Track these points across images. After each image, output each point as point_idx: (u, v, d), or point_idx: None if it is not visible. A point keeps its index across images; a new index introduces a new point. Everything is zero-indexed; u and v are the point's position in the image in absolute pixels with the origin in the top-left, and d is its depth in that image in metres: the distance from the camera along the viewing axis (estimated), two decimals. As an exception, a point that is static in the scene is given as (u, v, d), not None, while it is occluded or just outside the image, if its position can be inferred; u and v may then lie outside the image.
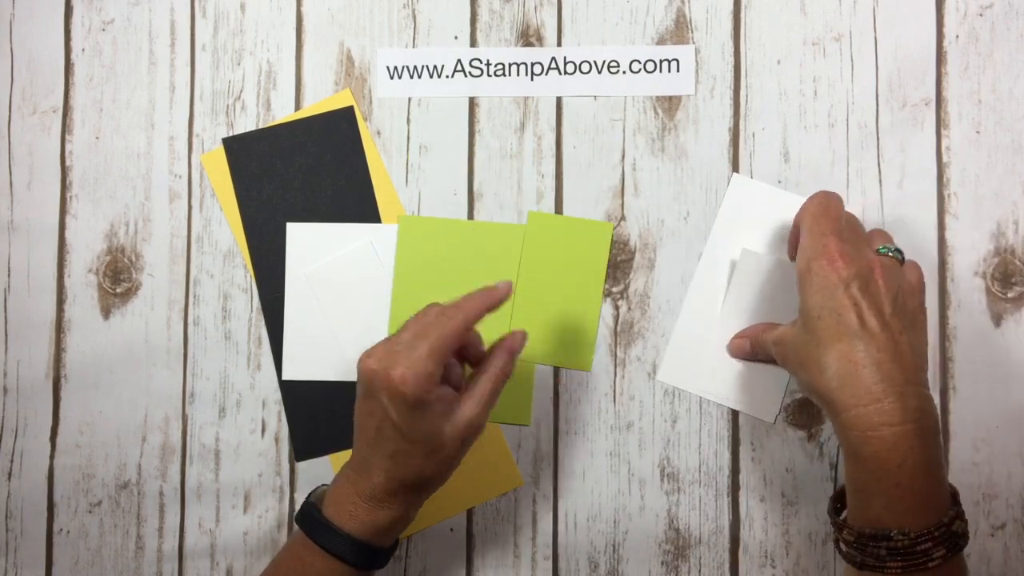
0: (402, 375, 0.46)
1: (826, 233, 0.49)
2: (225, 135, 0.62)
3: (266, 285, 0.62)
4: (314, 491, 0.53)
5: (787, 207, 0.58)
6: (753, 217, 0.60)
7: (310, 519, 0.50)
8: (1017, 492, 0.58)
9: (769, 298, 0.58)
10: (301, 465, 0.62)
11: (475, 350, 0.52)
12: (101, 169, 0.63)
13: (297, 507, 0.61)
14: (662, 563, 0.60)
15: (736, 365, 0.59)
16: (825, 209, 0.50)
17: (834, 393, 0.46)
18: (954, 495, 0.48)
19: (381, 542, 0.50)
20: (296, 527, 0.51)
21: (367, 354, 0.48)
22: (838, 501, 0.51)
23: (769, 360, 0.55)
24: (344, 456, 0.61)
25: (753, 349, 0.57)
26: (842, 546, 0.48)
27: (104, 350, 0.62)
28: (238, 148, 0.62)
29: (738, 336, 0.59)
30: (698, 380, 0.60)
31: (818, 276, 0.48)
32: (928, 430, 0.46)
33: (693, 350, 0.60)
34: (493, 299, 0.49)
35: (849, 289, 0.47)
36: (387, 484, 0.49)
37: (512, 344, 0.50)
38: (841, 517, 0.50)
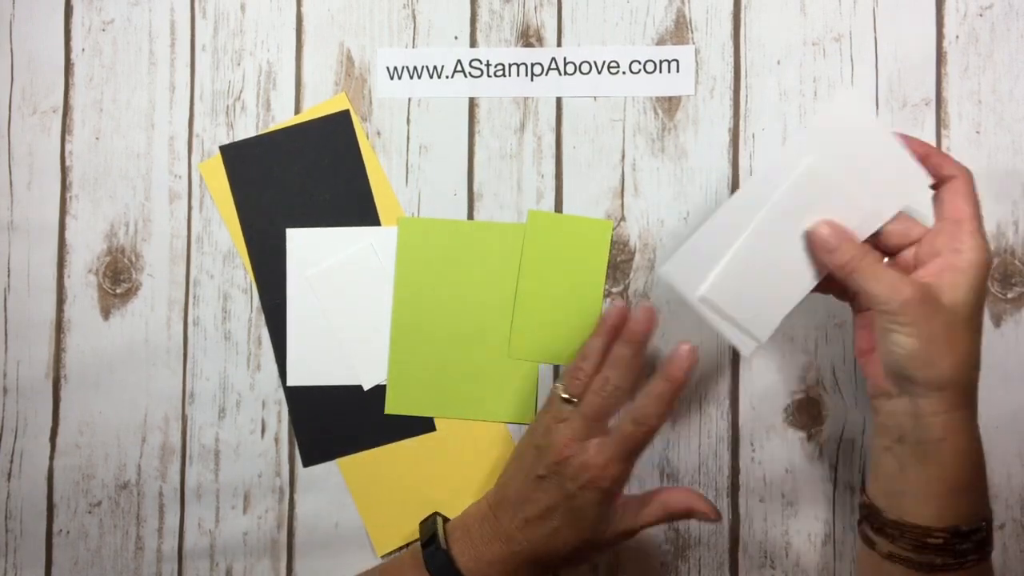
0: (607, 468, 0.50)
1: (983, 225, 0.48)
2: (225, 135, 0.62)
3: (267, 291, 0.62)
4: (434, 524, 0.55)
5: (888, 150, 0.49)
6: (838, 144, 0.49)
7: (438, 560, 0.52)
8: (1017, 492, 0.58)
9: (841, 185, 0.49)
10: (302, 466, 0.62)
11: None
12: (101, 169, 0.63)
13: (297, 508, 0.61)
14: (662, 563, 0.60)
15: (749, 275, 0.50)
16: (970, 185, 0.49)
17: (971, 380, 0.47)
18: None
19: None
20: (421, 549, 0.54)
21: (561, 423, 0.52)
22: (872, 509, 0.50)
23: (833, 289, 0.50)
24: (350, 460, 0.61)
25: (847, 261, 0.48)
26: (919, 550, 0.47)
27: (104, 350, 0.62)
28: (235, 155, 0.62)
29: (831, 226, 0.49)
30: (695, 284, 0.50)
31: (985, 272, 0.47)
32: None
33: (711, 250, 0.50)
34: (676, 390, 0.51)
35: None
36: (521, 546, 0.51)
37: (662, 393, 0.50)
38: (896, 517, 0.48)
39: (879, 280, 0.47)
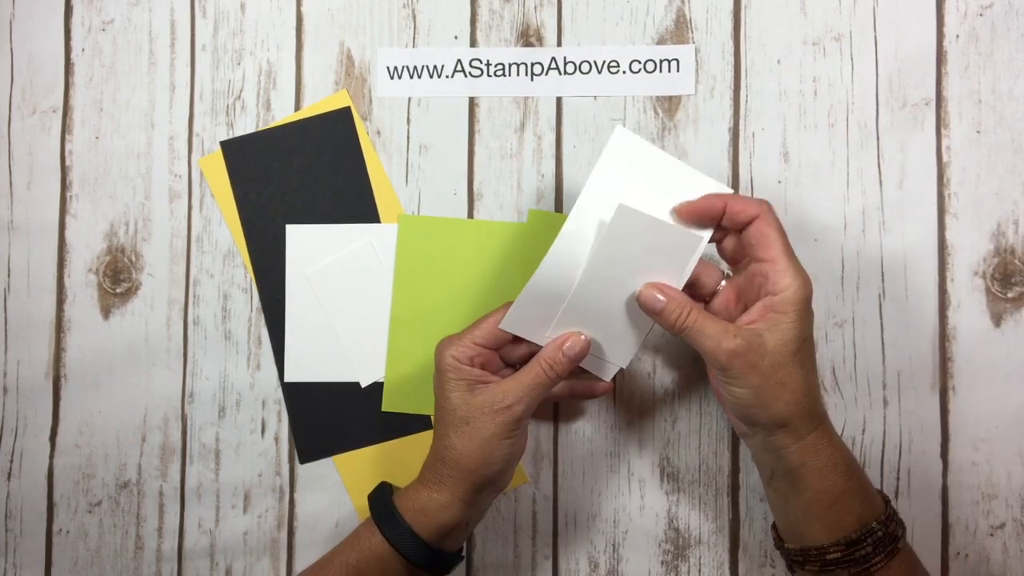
0: (442, 346, 0.52)
1: (796, 259, 0.49)
2: (225, 135, 0.62)
3: (266, 287, 0.62)
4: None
5: (667, 171, 0.51)
6: (632, 175, 0.51)
7: (377, 491, 0.54)
8: (1017, 492, 0.58)
9: (635, 258, 0.49)
10: (302, 465, 0.62)
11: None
12: (101, 169, 0.63)
13: (297, 507, 0.61)
14: (662, 563, 0.60)
15: (588, 321, 0.51)
16: (780, 222, 0.50)
17: (811, 408, 0.48)
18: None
19: (428, 532, 0.50)
20: None
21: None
22: (781, 543, 0.52)
23: (675, 335, 0.50)
24: (347, 457, 0.61)
25: (674, 321, 0.48)
26: (826, 569, 0.48)
27: (104, 350, 0.62)
28: (236, 151, 0.62)
29: (655, 287, 0.49)
30: (541, 331, 0.52)
31: (807, 306, 0.48)
32: None
33: (544, 303, 0.51)
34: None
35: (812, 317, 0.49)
36: (431, 462, 0.52)
37: (564, 340, 0.51)
38: (798, 546, 0.50)
39: (707, 336, 0.47)
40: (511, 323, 0.51)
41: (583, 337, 0.51)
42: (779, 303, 0.47)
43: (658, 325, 0.50)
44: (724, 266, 0.53)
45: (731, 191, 0.50)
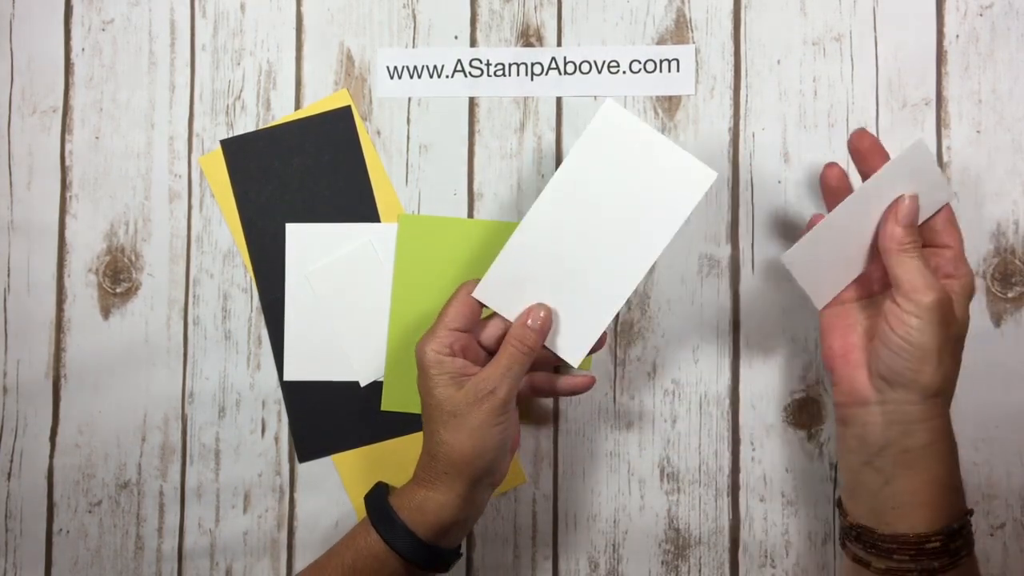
0: (420, 345, 0.51)
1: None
2: (225, 135, 0.62)
3: (266, 286, 0.62)
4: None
5: (655, 149, 0.50)
6: (618, 153, 0.51)
7: (374, 491, 0.53)
8: (1017, 492, 0.58)
9: (617, 165, 0.50)
10: (301, 464, 0.62)
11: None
12: (101, 169, 0.63)
13: (297, 507, 0.61)
14: (662, 563, 0.60)
15: (558, 293, 0.51)
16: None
17: (953, 388, 0.49)
18: None
19: (425, 531, 0.50)
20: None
21: None
22: (858, 530, 0.50)
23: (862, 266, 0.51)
24: (346, 456, 0.61)
25: (907, 242, 0.48)
26: (932, 561, 0.47)
27: (104, 350, 0.62)
28: (236, 150, 0.62)
29: (915, 201, 0.49)
30: (512, 304, 0.52)
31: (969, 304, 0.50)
32: None
33: (517, 273, 0.51)
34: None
35: None
36: (423, 458, 0.52)
37: (527, 315, 0.51)
38: (890, 532, 0.48)
39: (921, 273, 0.47)
40: (484, 292, 0.52)
41: (543, 310, 0.51)
42: (958, 287, 0.49)
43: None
44: None
45: (715, 174, 0.50)
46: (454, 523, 0.51)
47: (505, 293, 0.52)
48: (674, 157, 0.50)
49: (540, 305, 0.51)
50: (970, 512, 0.48)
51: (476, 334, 0.53)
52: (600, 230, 0.51)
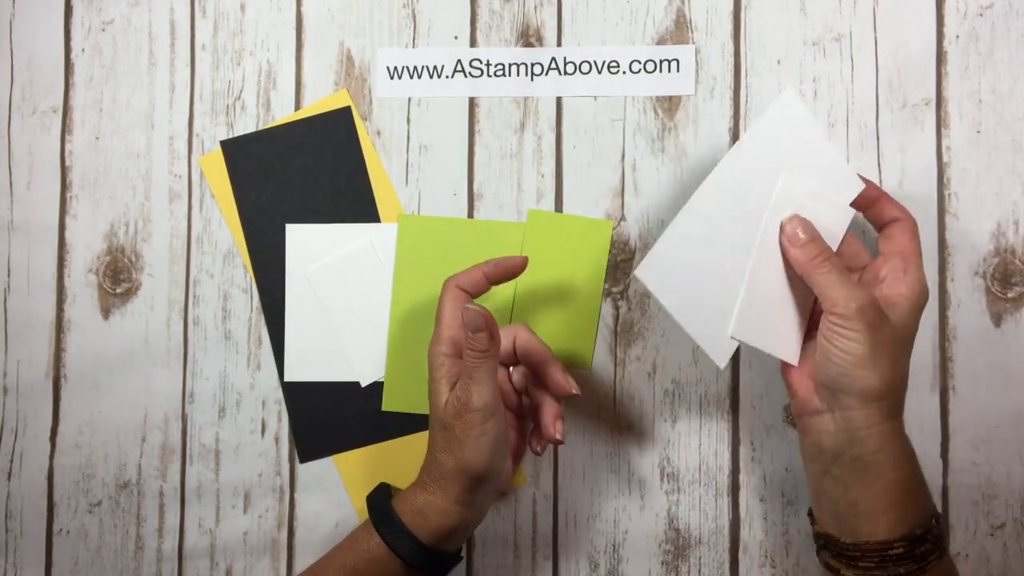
0: (429, 349, 0.51)
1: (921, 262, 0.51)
2: (225, 135, 0.62)
3: (266, 287, 0.62)
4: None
5: (818, 151, 0.51)
6: (782, 144, 0.51)
7: (376, 493, 0.53)
8: (1017, 492, 0.58)
9: (779, 153, 0.50)
10: (302, 465, 0.62)
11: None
12: (101, 169, 0.63)
13: (297, 507, 0.61)
14: (662, 563, 0.60)
15: (719, 285, 0.50)
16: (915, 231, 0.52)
17: (900, 396, 0.49)
18: None
19: (427, 535, 0.50)
20: None
21: None
22: (827, 540, 0.50)
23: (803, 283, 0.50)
24: (347, 456, 0.61)
25: (811, 259, 0.49)
26: (897, 567, 0.47)
27: (104, 350, 0.62)
28: (236, 150, 0.62)
29: (803, 221, 0.50)
30: (672, 294, 0.50)
31: (920, 311, 0.50)
32: None
33: (682, 258, 0.50)
34: (490, 266, 0.52)
35: None
36: (426, 465, 0.52)
37: (482, 316, 0.48)
38: (852, 540, 0.49)
39: (840, 284, 0.48)
40: (646, 272, 0.49)
41: (472, 309, 0.48)
42: (904, 290, 0.49)
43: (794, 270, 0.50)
44: None
45: (863, 185, 0.52)
46: (455, 528, 0.51)
47: (669, 278, 0.49)
48: (835, 162, 0.52)
49: (471, 307, 0.48)
50: (936, 517, 0.48)
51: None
52: (761, 229, 0.51)
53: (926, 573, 0.47)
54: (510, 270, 0.53)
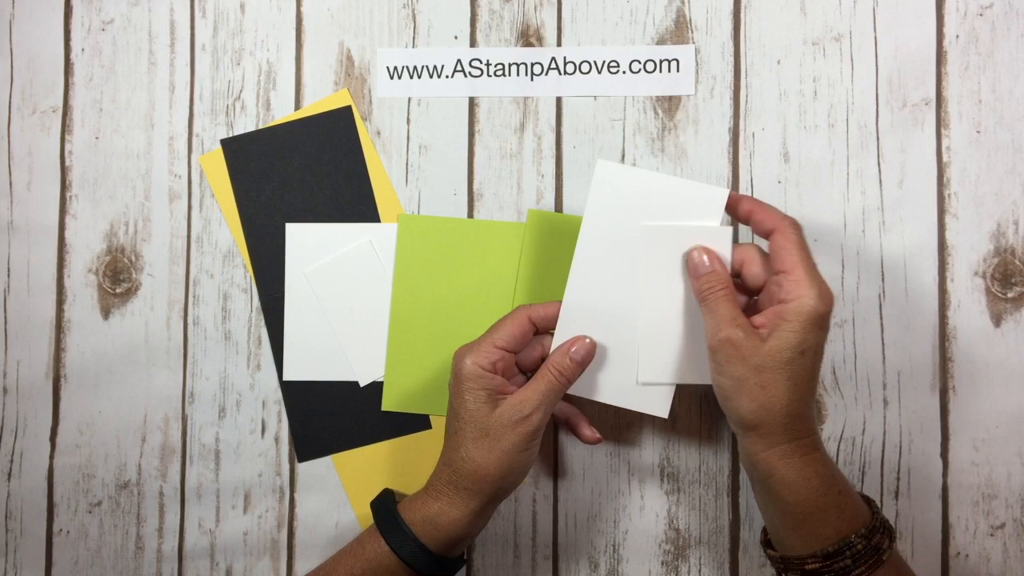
0: (461, 354, 0.51)
1: (816, 270, 0.49)
2: (225, 135, 0.62)
3: (266, 286, 0.62)
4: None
5: (663, 189, 0.52)
6: (626, 202, 0.52)
7: (380, 504, 0.53)
8: (1016, 492, 0.58)
9: (627, 212, 0.52)
10: (301, 465, 0.62)
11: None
12: (101, 169, 0.63)
13: (297, 507, 0.61)
14: (662, 563, 0.60)
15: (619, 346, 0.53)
16: (799, 233, 0.50)
17: (787, 420, 0.48)
18: (862, 494, 0.52)
19: (436, 543, 0.50)
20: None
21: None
22: (769, 546, 0.52)
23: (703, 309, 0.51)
24: (346, 456, 0.61)
25: (704, 290, 0.50)
26: None
27: (104, 350, 0.62)
28: (236, 149, 0.62)
29: (706, 251, 0.51)
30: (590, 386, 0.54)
31: (821, 321, 0.48)
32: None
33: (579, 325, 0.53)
34: None
35: (827, 334, 0.49)
36: (442, 470, 0.51)
37: (571, 345, 0.51)
38: (779, 554, 0.50)
39: (715, 316, 0.49)
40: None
41: (587, 340, 0.51)
42: (787, 311, 0.47)
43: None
44: None
45: (727, 191, 0.51)
46: (465, 536, 0.51)
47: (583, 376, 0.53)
48: (686, 189, 0.52)
49: (585, 338, 0.52)
50: (851, 535, 0.47)
51: (519, 358, 0.53)
52: (640, 279, 0.52)
53: None
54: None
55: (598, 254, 0.52)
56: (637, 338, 0.53)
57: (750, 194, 0.60)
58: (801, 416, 0.48)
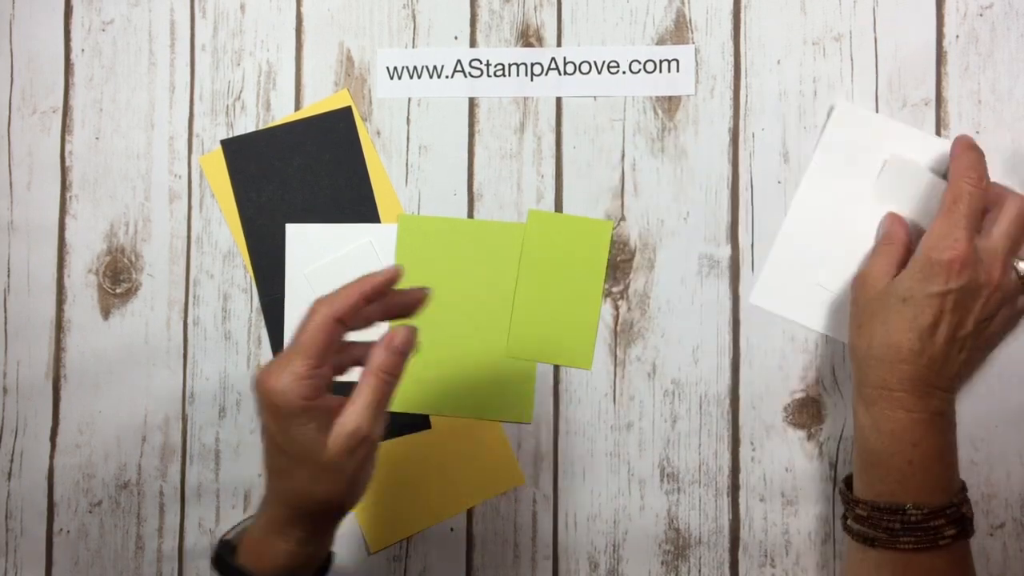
0: (272, 383, 0.42)
1: (961, 226, 0.49)
2: (225, 135, 0.62)
3: (266, 286, 0.62)
4: (236, 526, 0.50)
5: (899, 139, 0.58)
6: (858, 153, 0.59)
7: (221, 563, 0.47)
8: (1016, 492, 0.58)
9: (864, 163, 0.58)
10: (301, 465, 0.62)
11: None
12: (101, 169, 0.63)
13: (297, 507, 0.61)
14: (662, 563, 0.60)
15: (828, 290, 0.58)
16: (971, 188, 0.50)
17: (872, 363, 0.50)
18: (963, 486, 0.52)
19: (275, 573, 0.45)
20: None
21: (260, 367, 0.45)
22: (848, 484, 0.54)
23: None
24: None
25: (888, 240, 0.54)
26: (852, 524, 0.51)
27: (104, 350, 0.62)
28: (236, 150, 0.62)
29: (896, 220, 0.56)
30: (790, 303, 0.59)
31: (931, 269, 0.49)
32: (942, 427, 0.50)
33: (791, 275, 0.59)
34: (367, 285, 0.45)
35: (945, 299, 0.49)
36: (279, 511, 0.45)
37: (392, 339, 0.45)
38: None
39: (870, 259, 0.54)
40: (761, 296, 0.59)
41: (408, 328, 0.45)
42: (917, 252, 0.50)
43: None
44: None
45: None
46: (309, 560, 0.47)
47: (782, 293, 0.59)
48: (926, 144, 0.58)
49: (401, 327, 0.45)
50: (908, 503, 0.49)
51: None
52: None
53: (895, 549, 0.48)
54: (379, 288, 0.46)
55: (824, 187, 0.58)
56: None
57: (750, 194, 0.60)
58: (891, 365, 0.49)
